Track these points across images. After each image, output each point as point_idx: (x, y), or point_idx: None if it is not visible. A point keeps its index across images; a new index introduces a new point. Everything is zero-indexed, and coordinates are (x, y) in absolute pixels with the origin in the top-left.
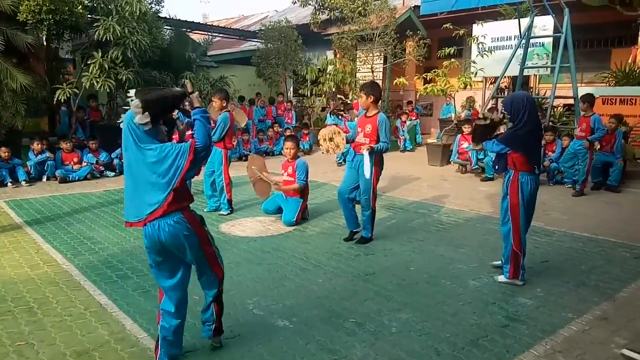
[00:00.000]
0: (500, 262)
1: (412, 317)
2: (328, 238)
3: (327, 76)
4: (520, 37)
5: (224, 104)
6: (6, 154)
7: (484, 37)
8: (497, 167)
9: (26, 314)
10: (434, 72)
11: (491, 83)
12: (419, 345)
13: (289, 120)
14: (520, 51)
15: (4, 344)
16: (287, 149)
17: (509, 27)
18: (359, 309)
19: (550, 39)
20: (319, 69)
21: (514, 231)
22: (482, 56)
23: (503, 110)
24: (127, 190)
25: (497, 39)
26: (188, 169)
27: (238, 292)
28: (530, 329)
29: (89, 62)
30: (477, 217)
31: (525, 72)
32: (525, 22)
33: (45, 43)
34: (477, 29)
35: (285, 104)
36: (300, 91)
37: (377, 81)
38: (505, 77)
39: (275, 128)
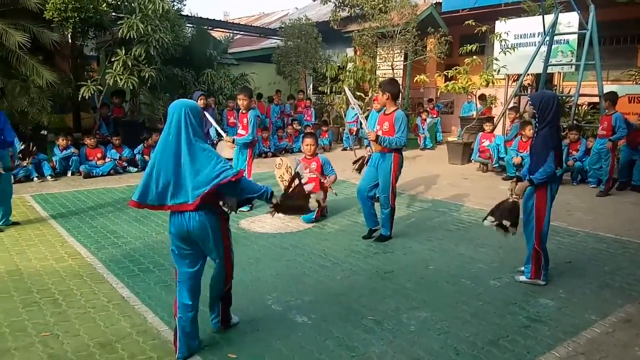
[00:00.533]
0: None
1: (431, 316)
2: (347, 235)
3: (347, 73)
4: (544, 34)
5: (250, 101)
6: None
7: (507, 34)
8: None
9: (51, 305)
10: (455, 69)
11: (514, 81)
12: (438, 344)
13: (308, 118)
14: (544, 48)
15: (29, 334)
16: (306, 145)
17: (532, 24)
18: (378, 307)
19: (575, 36)
20: (339, 66)
21: (537, 230)
22: (505, 53)
23: (530, 105)
24: (162, 176)
25: (520, 35)
26: (221, 186)
27: (257, 287)
28: (551, 330)
29: (112, 60)
30: None
31: (549, 70)
32: (549, 18)
33: (70, 41)
34: (500, 25)
35: (305, 101)
36: (319, 88)
37: (397, 78)
38: (528, 74)
39: (294, 125)
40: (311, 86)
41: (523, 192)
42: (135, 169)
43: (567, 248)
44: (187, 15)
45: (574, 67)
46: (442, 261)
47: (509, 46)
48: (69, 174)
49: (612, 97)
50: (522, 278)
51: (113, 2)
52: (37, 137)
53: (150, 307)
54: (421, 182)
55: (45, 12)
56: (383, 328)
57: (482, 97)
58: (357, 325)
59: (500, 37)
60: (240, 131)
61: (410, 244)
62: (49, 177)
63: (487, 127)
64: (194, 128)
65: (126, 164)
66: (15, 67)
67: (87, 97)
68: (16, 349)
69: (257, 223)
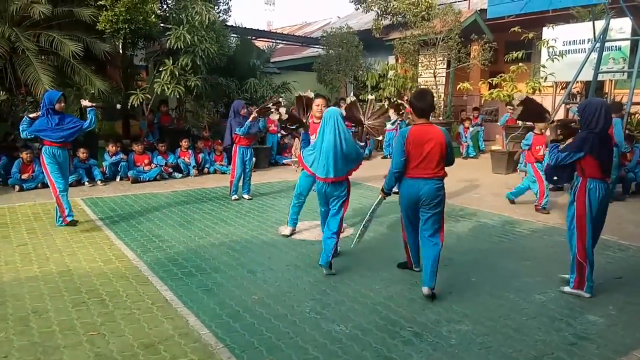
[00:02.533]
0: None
1: (473, 330)
2: (386, 244)
3: (388, 81)
4: (595, 41)
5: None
6: (84, 154)
7: (555, 40)
8: (556, 177)
9: (99, 305)
10: (500, 76)
11: (562, 88)
12: (479, 359)
13: (349, 125)
14: (594, 55)
15: (78, 333)
16: (317, 105)
17: (582, 30)
18: (417, 318)
19: (628, 42)
20: (380, 74)
21: (579, 240)
22: (553, 60)
23: (576, 114)
24: (328, 157)
25: (569, 42)
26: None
27: (295, 294)
28: (600, 349)
29: (160, 69)
30: (545, 228)
31: (600, 77)
32: (600, 24)
33: (121, 51)
34: (548, 32)
35: None
36: (360, 96)
37: (440, 86)
38: (577, 82)
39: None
40: (352, 94)
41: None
42: (180, 175)
43: (618, 263)
44: (231, 26)
45: (626, 74)
46: (484, 273)
47: (557, 53)
48: (118, 179)
49: None
50: (567, 289)
51: (162, 13)
52: (89, 144)
53: (192, 310)
54: (463, 191)
55: (98, 23)
56: (422, 340)
57: None
58: (395, 336)
59: (547, 43)
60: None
61: (452, 255)
62: (98, 182)
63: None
64: (343, 126)
65: (172, 170)
66: (70, 76)
67: (135, 105)
68: (65, 347)
69: (296, 230)
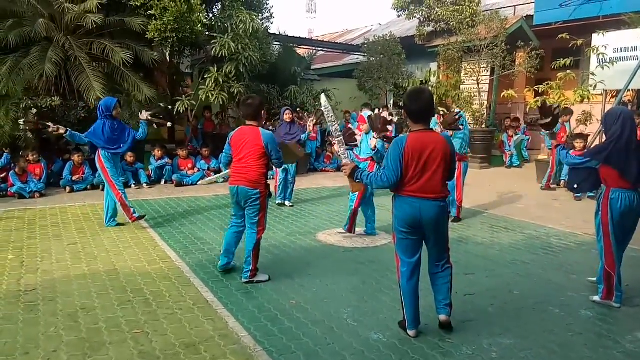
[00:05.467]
0: (593, 278)
1: (515, 344)
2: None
3: (430, 89)
4: None
5: None
6: (131, 158)
7: (605, 47)
8: (577, 186)
9: (143, 304)
10: (547, 84)
11: (612, 97)
12: None
13: (389, 133)
14: None
15: (123, 330)
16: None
17: (634, 37)
18: (456, 330)
19: None
20: (421, 81)
21: (606, 250)
22: (603, 68)
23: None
24: None
25: (620, 49)
26: None
27: (333, 301)
28: None
29: (205, 76)
30: (592, 241)
31: None
32: None
33: (168, 58)
34: (597, 39)
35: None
36: (400, 104)
37: (483, 93)
38: (629, 90)
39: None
40: (392, 101)
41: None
42: (222, 179)
43: None
44: (274, 34)
45: None
46: (527, 286)
47: (608, 60)
48: (163, 182)
49: None
50: (595, 298)
51: (208, 22)
52: (136, 148)
53: (232, 312)
54: (507, 201)
55: (147, 32)
56: (462, 352)
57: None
58: (433, 347)
59: (597, 50)
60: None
61: (494, 267)
62: (144, 185)
63: (578, 144)
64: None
65: (214, 174)
66: (120, 83)
67: (181, 111)
68: (110, 344)
69: (334, 236)
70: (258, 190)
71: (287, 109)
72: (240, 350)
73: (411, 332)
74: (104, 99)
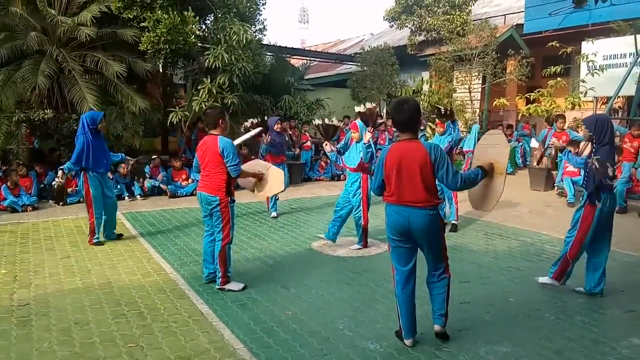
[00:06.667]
0: (582, 288)
1: (512, 352)
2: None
3: (422, 97)
4: (637, 55)
5: None
6: (125, 170)
7: (595, 54)
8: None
9: (137, 317)
10: (538, 91)
11: (603, 103)
12: None
13: (382, 142)
14: (636, 69)
15: (117, 344)
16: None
17: (623, 44)
18: (453, 338)
19: None
20: (414, 90)
21: (576, 241)
22: (593, 75)
23: (585, 128)
24: None
25: (610, 56)
26: None
27: (329, 311)
28: None
29: (199, 88)
30: None
31: None
32: None
33: (161, 70)
34: (587, 46)
35: (381, 126)
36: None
37: (475, 101)
38: (619, 97)
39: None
40: (385, 110)
41: (558, 146)
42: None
43: None
44: (267, 45)
45: None
46: (523, 294)
47: (597, 67)
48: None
49: None
50: (545, 279)
51: (201, 34)
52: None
53: (227, 324)
54: (500, 208)
55: (140, 44)
56: None
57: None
58: (431, 356)
59: (587, 58)
60: None
61: (489, 274)
62: (138, 197)
63: (573, 150)
64: None
65: None
66: (113, 94)
67: (175, 122)
68: (105, 358)
69: (328, 246)
70: (218, 198)
71: (278, 118)
72: None
73: (408, 342)
74: (89, 112)
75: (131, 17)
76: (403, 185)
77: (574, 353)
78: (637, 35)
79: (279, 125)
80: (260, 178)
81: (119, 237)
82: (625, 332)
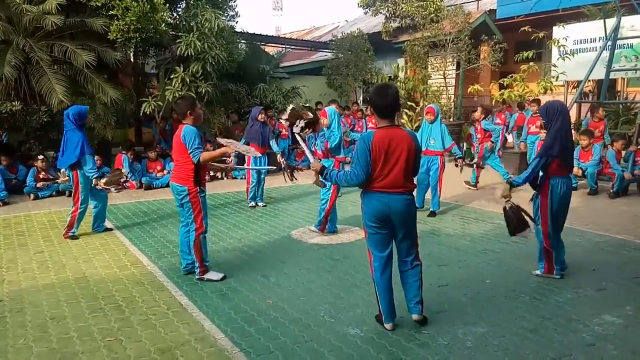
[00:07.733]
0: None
1: (489, 332)
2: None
3: (398, 84)
4: (606, 39)
5: None
6: (98, 162)
7: (566, 39)
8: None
9: (115, 311)
10: (511, 77)
11: (574, 87)
12: None
13: (359, 129)
14: (605, 53)
15: (95, 339)
16: None
17: (593, 29)
18: (432, 321)
19: None
20: (389, 77)
21: (544, 232)
22: (564, 59)
23: (540, 117)
24: None
25: (580, 41)
26: None
27: (310, 298)
28: (618, 350)
29: (171, 77)
30: None
31: (612, 75)
32: (611, 22)
33: (132, 59)
34: (558, 31)
35: (358, 112)
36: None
37: (450, 87)
38: (589, 80)
39: (345, 137)
40: (361, 97)
41: (507, 193)
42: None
43: (637, 262)
44: (240, 32)
45: (638, 72)
46: (499, 275)
47: (568, 52)
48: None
49: None
50: (537, 272)
51: (172, 21)
52: (103, 151)
53: (207, 315)
54: (476, 193)
55: (109, 33)
56: (438, 343)
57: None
58: (410, 339)
59: (558, 43)
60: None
61: (465, 257)
62: (112, 189)
63: (543, 134)
64: None
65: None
66: (83, 85)
67: (148, 112)
68: (83, 353)
69: (308, 234)
70: (186, 188)
71: (262, 108)
72: (218, 353)
73: (388, 325)
74: (73, 108)
75: (99, 4)
76: (387, 171)
77: (548, 331)
78: (607, 20)
79: (262, 116)
80: (228, 155)
81: (108, 230)
82: (598, 310)
